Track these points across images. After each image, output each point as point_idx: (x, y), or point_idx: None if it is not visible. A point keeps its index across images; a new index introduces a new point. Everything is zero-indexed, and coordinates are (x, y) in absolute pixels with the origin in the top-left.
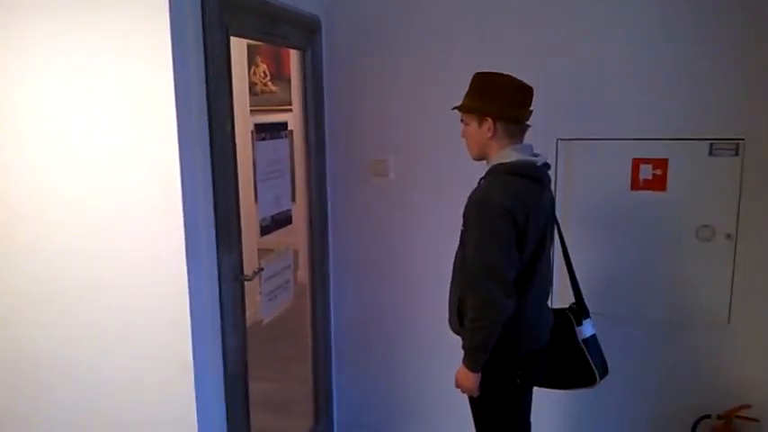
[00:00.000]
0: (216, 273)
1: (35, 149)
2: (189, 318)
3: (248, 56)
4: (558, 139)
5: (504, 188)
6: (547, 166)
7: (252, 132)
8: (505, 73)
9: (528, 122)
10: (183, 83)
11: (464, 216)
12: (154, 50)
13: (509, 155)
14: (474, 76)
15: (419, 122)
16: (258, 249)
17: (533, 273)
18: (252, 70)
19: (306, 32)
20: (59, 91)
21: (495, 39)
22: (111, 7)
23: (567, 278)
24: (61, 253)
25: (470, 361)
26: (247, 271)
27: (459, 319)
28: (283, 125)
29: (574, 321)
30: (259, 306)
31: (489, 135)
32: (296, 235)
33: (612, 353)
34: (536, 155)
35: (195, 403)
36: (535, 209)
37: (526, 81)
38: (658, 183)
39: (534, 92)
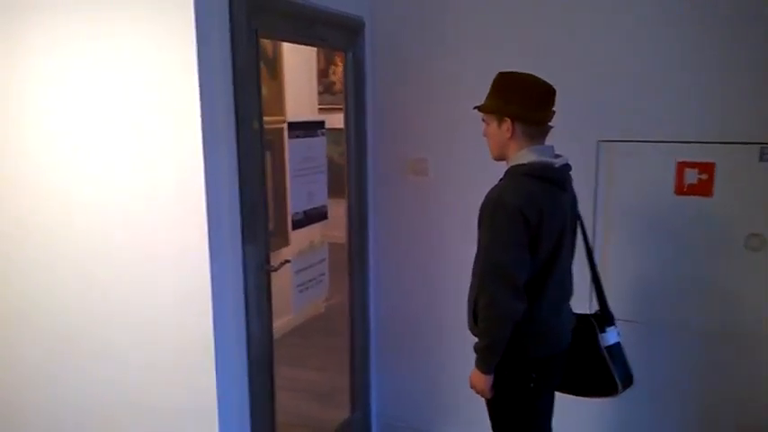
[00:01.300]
0: (240, 262)
1: (62, 142)
2: (211, 304)
3: (326, 56)
4: (598, 141)
5: (518, 189)
6: (567, 167)
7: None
8: (528, 72)
9: (550, 123)
10: (208, 82)
11: (479, 216)
12: (179, 51)
13: (526, 156)
14: (496, 76)
15: (459, 122)
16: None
17: (548, 276)
18: (332, 70)
19: (347, 33)
20: (83, 89)
21: (535, 40)
22: (136, 6)
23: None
24: (85, 242)
25: (480, 362)
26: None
27: (474, 320)
28: (320, 123)
29: (597, 327)
30: (290, 297)
31: (508, 135)
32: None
33: (649, 362)
34: (557, 156)
35: (216, 389)
36: (551, 211)
37: (565, 81)
38: (704, 188)
39: (574, 92)
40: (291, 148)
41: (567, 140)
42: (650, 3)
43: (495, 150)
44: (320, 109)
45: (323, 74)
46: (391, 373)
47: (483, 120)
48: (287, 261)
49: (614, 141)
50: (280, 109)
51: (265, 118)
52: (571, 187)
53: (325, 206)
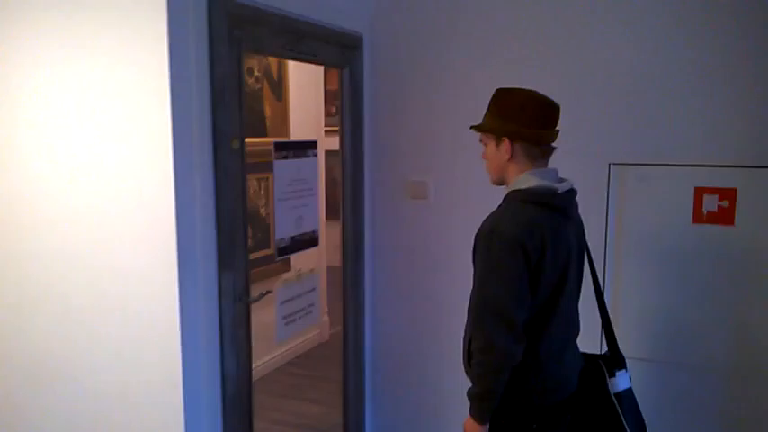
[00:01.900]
0: (215, 292)
1: (27, 161)
2: (179, 336)
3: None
4: (610, 164)
5: (517, 217)
6: (572, 192)
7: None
8: (530, 89)
9: (553, 144)
10: (181, 98)
11: (473, 247)
12: (150, 64)
13: (527, 180)
14: (494, 92)
15: (461, 144)
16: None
17: (551, 314)
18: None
19: (342, 49)
20: (49, 103)
21: (542, 57)
22: (104, 18)
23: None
24: (48, 265)
25: (474, 410)
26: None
27: (468, 362)
28: (311, 144)
29: (606, 371)
30: (274, 329)
31: (507, 157)
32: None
33: (663, 404)
34: (562, 180)
35: (185, 429)
36: (553, 241)
37: (574, 100)
38: (725, 216)
39: (584, 111)
40: (277, 169)
41: (575, 163)
42: (665, 19)
43: (494, 174)
44: (327, 131)
45: (334, 95)
46: (387, 408)
47: (480, 140)
48: (268, 292)
49: (627, 165)
50: (284, 131)
51: (270, 139)
52: (577, 214)
53: (316, 231)
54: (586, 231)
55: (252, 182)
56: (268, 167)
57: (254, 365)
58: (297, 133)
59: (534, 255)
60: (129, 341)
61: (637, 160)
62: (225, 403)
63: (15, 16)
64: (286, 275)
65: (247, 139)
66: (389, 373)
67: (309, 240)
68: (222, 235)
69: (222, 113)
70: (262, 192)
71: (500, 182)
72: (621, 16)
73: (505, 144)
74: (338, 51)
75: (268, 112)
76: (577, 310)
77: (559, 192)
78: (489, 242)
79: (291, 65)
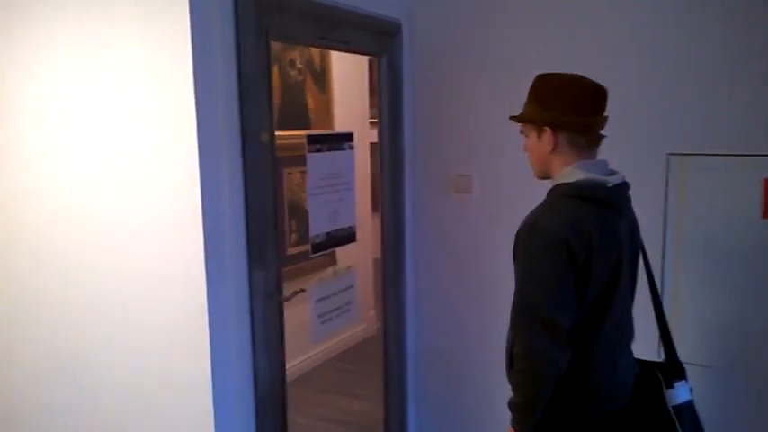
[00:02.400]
0: (246, 290)
1: (50, 159)
2: (208, 336)
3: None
4: (668, 154)
5: (561, 214)
6: (624, 186)
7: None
8: (573, 73)
9: (602, 132)
10: (206, 90)
11: (514, 246)
12: (173, 56)
13: (573, 173)
14: (534, 79)
15: (506, 135)
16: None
17: (601, 319)
18: None
19: (379, 37)
20: (74, 102)
21: (594, 43)
22: (127, 7)
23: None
24: (73, 268)
25: (516, 422)
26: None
27: (510, 367)
28: (347, 136)
29: (663, 382)
30: (310, 328)
31: (549, 148)
32: None
33: (726, 416)
34: (612, 172)
35: (214, 430)
36: (602, 240)
37: (629, 85)
38: None
39: (638, 96)
40: (310, 163)
41: (630, 154)
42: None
43: (537, 167)
44: (372, 122)
45: None
46: (431, 407)
47: (521, 131)
48: (301, 290)
49: (687, 155)
50: (328, 123)
51: (314, 131)
52: (630, 210)
53: (353, 227)
54: (642, 228)
55: (294, 175)
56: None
57: (298, 361)
58: (341, 125)
59: (580, 254)
60: (156, 341)
61: (698, 150)
62: (257, 404)
63: (32, 15)
64: (321, 274)
65: (289, 132)
66: (434, 373)
67: (346, 236)
68: (253, 231)
69: (250, 106)
70: (305, 184)
71: (544, 175)
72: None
73: (547, 134)
74: (374, 39)
75: (311, 104)
76: (631, 315)
77: (609, 185)
78: (530, 240)
79: (334, 56)
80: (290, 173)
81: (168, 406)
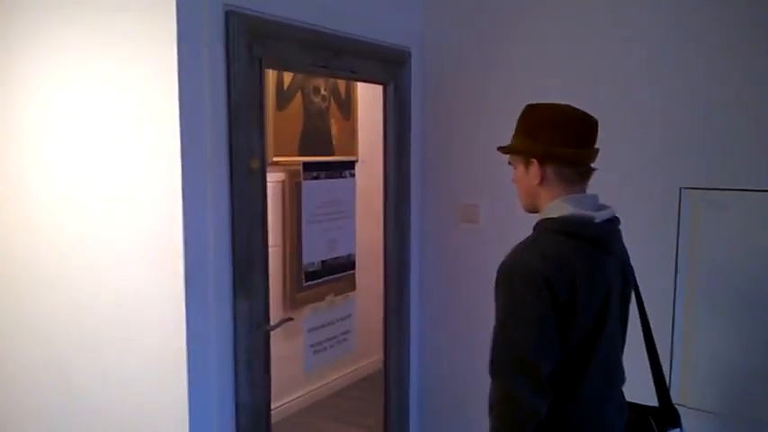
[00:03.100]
0: (230, 319)
1: (35, 182)
2: (186, 364)
3: None
4: (681, 188)
5: (544, 250)
6: (613, 222)
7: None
8: (562, 103)
9: (592, 164)
10: (193, 119)
11: (495, 282)
12: (159, 82)
13: (559, 207)
14: (523, 109)
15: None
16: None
17: (587, 362)
18: None
19: (386, 65)
20: (64, 124)
21: (606, 72)
22: (114, 32)
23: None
24: (49, 286)
25: None
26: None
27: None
28: (348, 164)
29: (655, 430)
30: (302, 358)
31: (537, 181)
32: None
33: None
34: (602, 207)
35: None
36: (588, 278)
37: (639, 114)
38: None
39: (650, 127)
40: (306, 190)
41: (640, 187)
42: (738, 34)
43: (525, 199)
44: None
45: None
46: None
47: (509, 163)
48: (289, 319)
49: (701, 189)
50: (352, 149)
51: (336, 158)
52: (620, 247)
53: (352, 255)
54: (652, 266)
55: None
56: None
57: (315, 387)
58: (365, 152)
59: (563, 294)
60: (134, 366)
61: (712, 184)
62: None
63: (28, 32)
64: (314, 304)
65: (312, 158)
66: (438, 413)
67: (344, 264)
68: (239, 260)
69: (239, 133)
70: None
71: (532, 209)
72: (693, 30)
73: (534, 166)
74: (381, 67)
75: (335, 130)
76: (620, 357)
77: (596, 221)
78: (511, 278)
79: (360, 83)
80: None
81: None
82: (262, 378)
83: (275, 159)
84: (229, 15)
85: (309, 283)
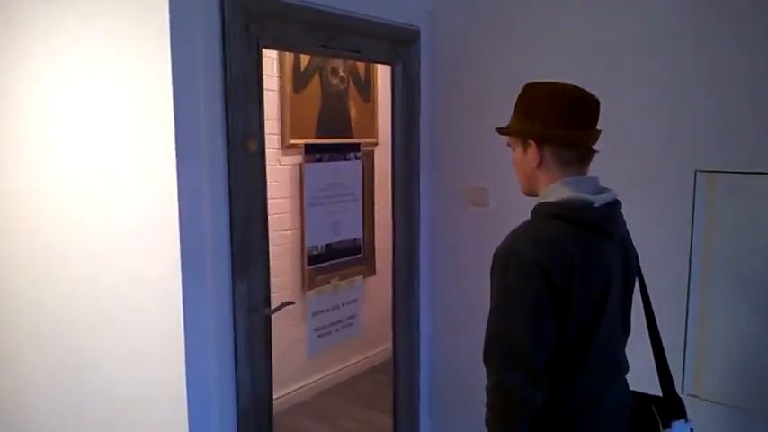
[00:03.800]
0: (229, 302)
1: (31, 169)
2: (183, 347)
3: None
4: (696, 171)
5: (540, 236)
6: (613, 206)
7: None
8: (562, 81)
9: (593, 146)
10: (187, 99)
11: (490, 267)
12: (152, 65)
13: (558, 191)
14: (522, 88)
15: None
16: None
17: (585, 351)
18: None
19: (393, 44)
20: (52, 105)
21: (619, 53)
22: (107, 13)
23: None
24: (45, 270)
25: None
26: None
27: None
28: (353, 146)
29: (659, 421)
30: (305, 342)
31: (535, 163)
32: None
33: None
34: (603, 190)
35: None
36: (585, 265)
37: (652, 93)
38: None
39: (662, 106)
40: (308, 173)
41: (653, 170)
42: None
43: (523, 182)
44: None
45: None
46: None
47: (508, 144)
48: (289, 303)
49: (717, 172)
50: (371, 132)
51: (354, 140)
52: (621, 232)
53: (358, 239)
54: (666, 253)
55: None
56: None
57: (337, 368)
58: (385, 135)
59: (560, 281)
60: (132, 349)
61: (730, 167)
62: (239, 418)
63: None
64: (319, 287)
65: (330, 140)
66: (449, 400)
67: (350, 249)
68: (237, 243)
69: (236, 114)
70: None
71: (530, 192)
72: (710, 3)
73: (532, 148)
74: (388, 47)
75: (353, 112)
76: (623, 346)
77: (596, 205)
78: (505, 265)
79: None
80: None
81: (144, 420)
82: (263, 363)
83: (292, 142)
84: None
85: (313, 266)
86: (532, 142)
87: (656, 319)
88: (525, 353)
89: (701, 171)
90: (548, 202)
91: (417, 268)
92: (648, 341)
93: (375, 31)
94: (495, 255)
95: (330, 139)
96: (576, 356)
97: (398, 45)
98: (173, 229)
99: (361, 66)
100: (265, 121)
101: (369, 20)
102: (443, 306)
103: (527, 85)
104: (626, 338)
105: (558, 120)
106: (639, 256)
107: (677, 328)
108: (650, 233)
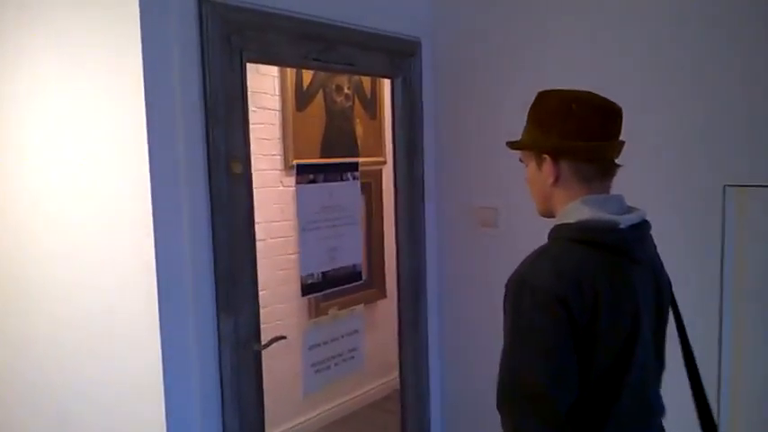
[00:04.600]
0: (213, 338)
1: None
2: (162, 386)
3: None
4: (725, 186)
5: (559, 263)
6: (642, 227)
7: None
8: (578, 89)
9: (615, 160)
10: (162, 119)
11: (503, 298)
12: (124, 80)
13: (577, 211)
14: (535, 97)
15: None
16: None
17: (616, 393)
18: None
19: (392, 57)
20: (20, 127)
21: (637, 64)
22: (78, 27)
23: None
24: (36, 310)
25: None
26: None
27: None
28: (351, 165)
29: None
30: (301, 378)
31: (551, 180)
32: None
33: None
34: (629, 209)
35: None
36: (612, 296)
37: (677, 106)
38: None
39: (692, 121)
40: (300, 195)
41: (679, 185)
42: None
43: (539, 202)
44: None
45: None
46: None
47: (520, 160)
48: (281, 337)
49: (748, 186)
50: (379, 149)
51: (363, 159)
52: (650, 256)
53: (357, 265)
54: (696, 271)
55: None
56: (362, 188)
57: (342, 400)
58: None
59: (582, 315)
60: (111, 389)
61: (761, 181)
62: None
63: None
64: (316, 318)
65: (335, 160)
66: (462, 428)
67: (349, 276)
68: (221, 272)
69: (218, 133)
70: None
71: (548, 213)
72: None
73: (547, 163)
74: (386, 59)
75: (359, 131)
76: (658, 386)
77: (621, 226)
78: (519, 297)
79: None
80: None
81: None
82: (253, 404)
83: (295, 162)
84: (202, 3)
85: (306, 296)
86: (547, 156)
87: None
88: (544, 397)
89: (730, 185)
90: (566, 224)
91: (424, 294)
92: (679, 380)
93: (372, 42)
94: (507, 285)
95: (335, 159)
96: (604, 401)
97: (398, 57)
98: (149, 261)
99: (366, 82)
100: (267, 141)
101: (364, 31)
102: (455, 333)
103: (540, 93)
104: (660, 377)
105: (576, 130)
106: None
107: (709, 362)
108: (677, 253)
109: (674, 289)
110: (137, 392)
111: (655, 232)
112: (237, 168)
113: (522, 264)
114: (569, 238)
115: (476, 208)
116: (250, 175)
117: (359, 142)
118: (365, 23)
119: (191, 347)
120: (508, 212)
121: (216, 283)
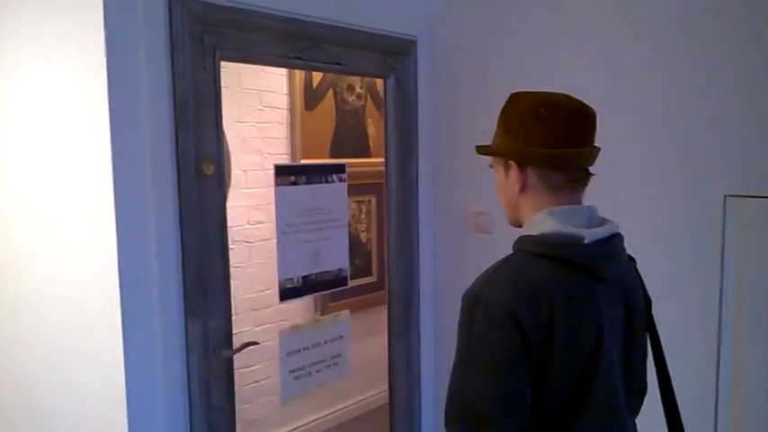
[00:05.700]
0: (181, 343)
1: None
2: (125, 392)
3: None
4: (726, 196)
5: (516, 278)
6: (611, 241)
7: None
8: (552, 91)
9: (587, 167)
10: (126, 119)
11: (460, 312)
12: (88, 76)
13: (542, 222)
14: (507, 99)
15: None
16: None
17: (575, 421)
18: None
19: (384, 56)
20: None
21: (637, 69)
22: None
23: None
24: None
25: None
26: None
27: None
28: (337, 167)
29: None
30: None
31: (517, 187)
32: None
33: None
34: (599, 222)
35: None
36: (570, 314)
37: (676, 113)
38: None
39: (691, 129)
40: (279, 197)
41: (676, 195)
42: None
43: (508, 211)
44: None
45: None
46: None
47: (490, 166)
48: (252, 343)
49: (750, 197)
50: None
51: (372, 159)
52: (620, 273)
53: (343, 269)
54: (696, 285)
55: (351, 205)
56: (369, 189)
57: (320, 414)
58: None
59: (536, 336)
60: (70, 404)
61: (762, 191)
62: None
63: None
64: (294, 322)
65: (318, 161)
66: None
67: (333, 281)
68: (190, 276)
69: (187, 135)
70: (363, 215)
71: (515, 223)
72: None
73: (513, 170)
74: (377, 58)
75: (372, 131)
76: (631, 414)
77: (585, 241)
78: (472, 312)
79: None
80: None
81: None
82: (224, 409)
83: (303, 162)
84: (171, 1)
85: (284, 301)
86: (513, 163)
87: (672, 381)
88: (490, 422)
89: (730, 196)
90: (529, 237)
91: (417, 303)
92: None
93: (363, 41)
94: (462, 298)
95: (341, 160)
96: (562, 428)
97: (391, 56)
98: (111, 265)
99: (380, 81)
100: (274, 141)
101: (354, 29)
102: (450, 345)
103: (512, 95)
104: (637, 405)
105: (546, 136)
106: (663, 291)
107: (707, 385)
108: (674, 267)
109: (673, 300)
110: (101, 398)
111: (654, 242)
112: (209, 170)
113: (480, 277)
114: (530, 251)
115: (471, 213)
116: (222, 176)
117: (371, 142)
118: (356, 21)
119: (156, 353)
120: (504, 218)
121: (184, 287)
